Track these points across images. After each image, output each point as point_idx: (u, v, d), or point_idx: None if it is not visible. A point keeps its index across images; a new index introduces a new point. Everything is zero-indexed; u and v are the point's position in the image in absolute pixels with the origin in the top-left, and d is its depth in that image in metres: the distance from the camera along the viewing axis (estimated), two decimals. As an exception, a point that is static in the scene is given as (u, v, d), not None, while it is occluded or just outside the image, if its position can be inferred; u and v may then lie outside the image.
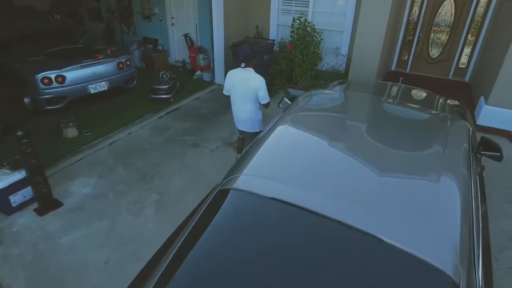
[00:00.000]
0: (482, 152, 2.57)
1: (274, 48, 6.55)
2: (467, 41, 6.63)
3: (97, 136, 4.89)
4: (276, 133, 2.18)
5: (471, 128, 2.55)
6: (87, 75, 5.50)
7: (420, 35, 6.92)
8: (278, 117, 2.46)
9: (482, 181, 2.57)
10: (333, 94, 3.22)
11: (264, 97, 3.37)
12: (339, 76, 6.44)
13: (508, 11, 5.24)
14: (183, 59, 7.73)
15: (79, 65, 5.39)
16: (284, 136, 2.21)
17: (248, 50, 3.25)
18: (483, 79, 5.63)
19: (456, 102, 3.62)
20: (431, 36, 6.89)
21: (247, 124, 3.59)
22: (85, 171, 4.13)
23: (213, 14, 6.29)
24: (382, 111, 2.96)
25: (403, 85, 3.81)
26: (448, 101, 3.32)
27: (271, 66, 6.27)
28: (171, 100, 6.04)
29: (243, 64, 3.25)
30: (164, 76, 6.09)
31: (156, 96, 5.96)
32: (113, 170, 4.15)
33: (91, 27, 9.13)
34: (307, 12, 6.42)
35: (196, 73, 7.19)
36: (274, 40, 6.53)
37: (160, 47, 8.12)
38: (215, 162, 4.35)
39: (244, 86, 3.32)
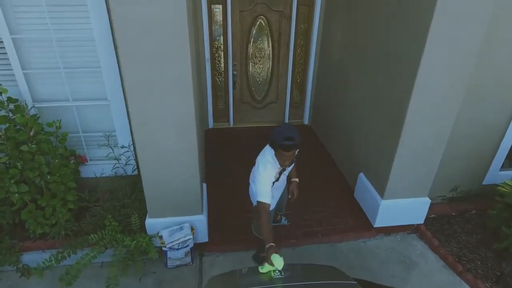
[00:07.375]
0: None
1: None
2: (296, 72, 4.83)
3: None
4: None
5: None
6: None
7: (235, 72, 4.64)
8: None
9: None
10: None
11: (254, 192, 2.30)
12: (126, 182, 3.37)
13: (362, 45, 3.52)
14: None
15: None
16: None
17: (272, 133, 2.21)
18: (354, 152, 3.81)
19: None
20: (250, 73, 4.73)
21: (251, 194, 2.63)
22: None
23: None
24: None
25: None
26: None
27: None
28: None
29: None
30: None
31: None
32: None
33: None
34: (13, 75, 2.89)
35: None
36: None
37: None
38: None
39: None
